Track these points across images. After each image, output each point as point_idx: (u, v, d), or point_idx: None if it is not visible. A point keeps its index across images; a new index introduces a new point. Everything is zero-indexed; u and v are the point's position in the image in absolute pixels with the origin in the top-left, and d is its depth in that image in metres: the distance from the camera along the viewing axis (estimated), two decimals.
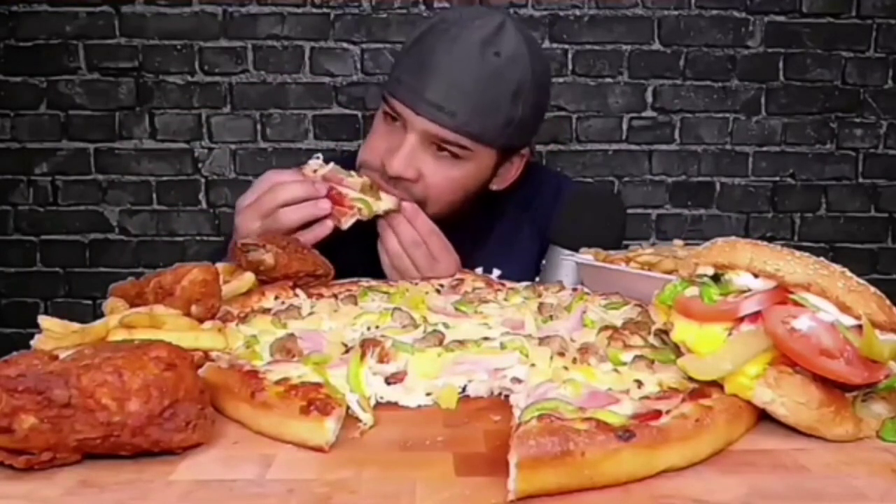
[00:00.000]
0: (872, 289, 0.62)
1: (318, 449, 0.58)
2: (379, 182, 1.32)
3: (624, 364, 0.69)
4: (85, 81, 2.56)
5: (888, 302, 0.62)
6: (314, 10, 2.55)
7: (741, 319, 0.63)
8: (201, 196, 2.63)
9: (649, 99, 2.61)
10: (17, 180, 2.61)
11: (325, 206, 1.23)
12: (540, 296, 1.00)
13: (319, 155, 1.32)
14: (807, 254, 0.64)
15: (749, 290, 0.64)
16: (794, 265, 0.62)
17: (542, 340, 0.73)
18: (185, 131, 2.60)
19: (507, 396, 0.68)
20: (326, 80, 2.58)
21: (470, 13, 1.38)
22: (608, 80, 2.60)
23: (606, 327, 0.80)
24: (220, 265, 0.96)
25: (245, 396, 0.63)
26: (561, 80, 2.55)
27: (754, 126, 2.63)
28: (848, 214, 2.69)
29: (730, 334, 0.63)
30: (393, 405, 0.69)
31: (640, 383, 0.64)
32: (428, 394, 0.70)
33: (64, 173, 2.61)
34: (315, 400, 0.60)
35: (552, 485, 0.51)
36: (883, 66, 2.61)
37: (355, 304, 0.93)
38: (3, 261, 2.65)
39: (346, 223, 1.24)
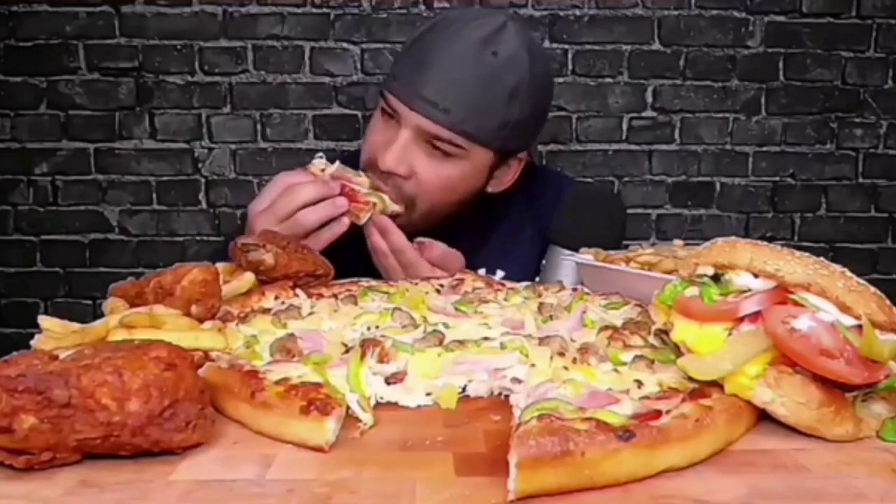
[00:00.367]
0: (872, 289, 0.62)
1: (318, 449, 0.58)
2: (375, 181, 1.32)
3: (624, 364, 0.69)
4: (85, 81, 2.56)
5: (888, 302, 0.62)
6: (314, 10, 2.55)
7: (741, 319, 0.63)
8: (201, 196, 2.64)
9: (649, 99, 2.61)
10: (17, 180, 2.61)
11: (342, 203, 1.24)
12: (540, 296, 1.00)
13: (322, 154, 1.32)
14: (807, 254, 0.64)
15: (749, 290, 0.64)
16: (794, 265, 0.62)
17: (542, 340, 0.73)
18: (185, 131, 2.60)
19: (507, 396, 0.68)
20: (326, 80, 2.58)
21: (472, 13, 1.42)
22: (608, 80, 2.60)
23: (606, 327, 0.80)
24: (220, 265, 0.96)
25: (245, 396, 0.62)
26: (561, 80, 2.55)
27: (754, 126, 2.63)
28: (848, 214, 2.69)
29: (730, 334, 0.63)
30: (393, 405, 0.69)
31: (640, 383, 0.64)
32: (428, 394, 0.70)
33: (64, 173, 2.61)
34: (315, 400, 0.60)
35: (552, 485, 0.51)
36: (883, 66, 2.61)
37: (355, 304, 0.93)
38: (3, 261, 2.65)
39: (364, 218, 1.26)
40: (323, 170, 1.28)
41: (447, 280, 1.11)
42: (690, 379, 0.63)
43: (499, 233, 1.53)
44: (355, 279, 1.13)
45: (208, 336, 0.74)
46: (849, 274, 0.62)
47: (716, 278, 0.66)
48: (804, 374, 0.59)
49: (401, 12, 2.55)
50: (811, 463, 0.57)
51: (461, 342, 0.74)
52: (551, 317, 0.87)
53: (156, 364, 0.56)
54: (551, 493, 0.51)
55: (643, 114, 2.62)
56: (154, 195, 2.63)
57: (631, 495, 0.51)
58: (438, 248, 1.27)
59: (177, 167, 2.62)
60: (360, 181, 1.29)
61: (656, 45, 2.58)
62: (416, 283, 1.08)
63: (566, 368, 0.68)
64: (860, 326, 0.59)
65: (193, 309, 0.81)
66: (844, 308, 0.59)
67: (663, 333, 0.73)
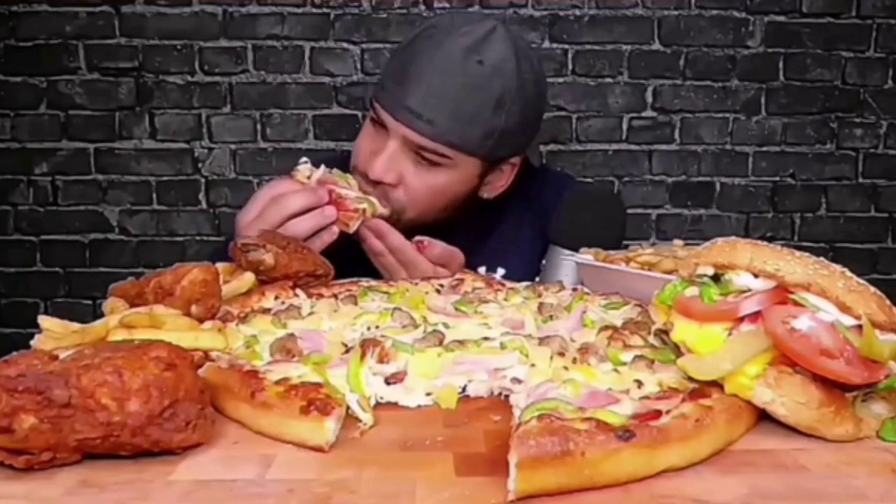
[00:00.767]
0: (872, 289, 0.62)
1: (318, 449, 0.58)
2: (364, 186, 1.32)
3: (624, 364, 0.69)
4: (85, 81, 2.56)
5: (888, 302, 0.62)
6: (314, 10, 2.55)
7: (741, 319, 0.63)
8: (201, 196, 2.64)
9: (649, 99, 2.61)
10: (17, 180, 2.61)
11: (331, 212, 1.23)
12: (540, 296, 1.00)
13: (306, 158, 1.30)
14: (807, 254, 0.64)
15: (749, 290, 0.64)
16: (794, 265, 0.62)
17: (542, 340, 0.73)
18: (185, 131, 2.60)
19: (507, 396, 0.68)
20: (326, 80, 2.58)
21: (461, 19, 1.37)
22: (608, 80, 2.60)
23: (606, 327, 0.80)
24: (220, 265, 0.96)
25: (245, 396, 0.62)
26: (561, 80, 2.56)
27: (754, 126, 2.63)
28: (848, 214, 2.69)
29: (730, 334, 0.63)
30: (393, 405, 0.69)
31: (640, 383, 0.64)
32: (428, 394, 0.70)
33: (64, 173, 2.61)
34: (315, 400, 0.60)
35: (552, 485, 0.51)
36: (883, 66, 2.61)
37: (355, 304, 0.93)
38: (3, 261, 2.65)
39: (354, 226, 1.24)
40: (309, 176, 1.26)
41: (447, 280, 1.11)
42: (690, 379, 0.63)
43: (499, 231, 1.53)
44: (355, 279, 1.13)
45: (208, 336, 0.74)
46: (849, 274, 0.62)
47: (716, 278, 0.66)
48: (804, 374, 0.59)
49: (401, 12, 2.55)
50: (811, 463, 0.57)
51: (461, 342, 0.74)
52: (551, 317, 0.87)
53: (156, 364, 0.56)
54: (551, 493, 0.51)
55: (643, 114, 2.62)
56: (154, 195, 2.63)
57: (631, 495, 0.51)
58: (438, 246, 1.26)
59: (177, 167, 2.62)
60: (349, 184, 1.27)
61: (656, 45, 2.58)
62: (416, 283, 1.08)
63: (566, 368, 0.68)
64: (860, 326, 0.59)
65: (193, 309, 0.81)
66: (844, 308, 0.59)
67: (663, 333, 0.73)
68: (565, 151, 2.63)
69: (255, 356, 0.72)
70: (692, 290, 0.67)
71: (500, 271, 1.33)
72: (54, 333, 0.71)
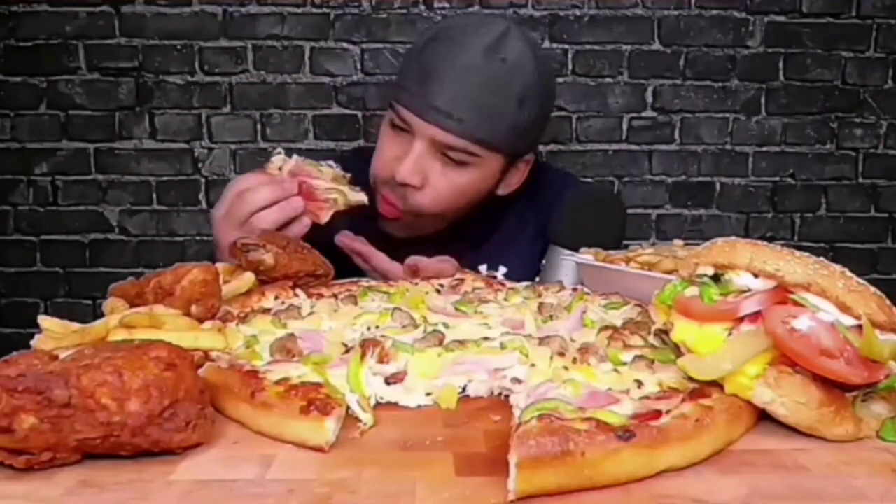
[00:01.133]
0: (872, 289, 0.62)
1: (318, 449, 0.58)
2: (382, 189, 1.31)
3: (624, 364, 0.69)
4: (85, 81, 2.56)
5: (888, 302, 0.62)
6: (314, 10, 2.55)
7: (741, 319, 0.63)
8: (201, 196, 2.64)
9: (649, 99, 2.61)
10: (17, 180, 2.61)
11: (297, 204, 1.19)
12: (540, 296, 1.00)
13: (281, 150, 1.28)
14: (807, 254, 0.64)
15: (749, 290, 0.64)
16: (794, 265, 0.62)
17: (542, 340, 0.73)
18: (185, 131, 2.60)
19: (507, 396, 0.68)
20: (326, 80, 2.58)
21: (474, 20, 1.40)
22: (608, 80, 2.60)
23: (606, 327, 0.80)
24: (220, 265, 0.96)
25: (245, 396, 0.62)
26: (561, 80, 2.55)
27: (754, 126, 2.63)
28: (848, 214, 2.69)
29: (730, 334, 0.63)
30: (393, 405, 0.69)
31: (640, 383, 0.64)
32: (428, 394, 0.70)
33: (64, 173, 2.61)
34: (315, 400, 0.60)
35: (552, 485, 0.51)
36: (883, 66, 2.61)
37: (355, 304, 0.93)
38: (3, 261, 2.65)
39: (325, 217, 1.21)
40: (280, 167, 1.24)
41: (447, 280, 1.11)
42: (690, 379, 0.63)
43: (502, 228, 1.54)
44: (355, 279, 1.14)
45: (208, 336, 0.74)
46: (849, 274, 0.62)
47: (716, 278, 0.66)
48: (804, 374, 0.59)
49: (401, 12, 2.55)
50: (811, 463, 0.57)
51: (461, 342, 0.74)
52: (551, 317, 0.87)
53: (156, 364, 0.56)
54: (551, 493, 0.51)
55: (643, 114, 2.62)
56: (154, 195, 2.63)
57: (631, 495, 0.51)
58: (430, 268, 1.21)
59: (177, 167, 2.62)
60: (321, 174, 1.24)
61: (656, 45, 2.58)
62: (416, 283, 1.08)
63: (566, 368, 0.68)
64: (860, 326, 0.59)
65: (193, 309, 0.81)
66: (844, 308, 0.59)
67: (663, 333, 0.73)
68: (565, 151, 2.63)
69: (255, 356, 0.72)
70: (692, 290, 0.67)
71: (502, 269, 1.35)
72: (54, 333, 0.71)
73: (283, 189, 1.20)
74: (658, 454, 0.53)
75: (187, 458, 0.57)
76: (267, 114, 2.59)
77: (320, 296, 0.97)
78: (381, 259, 1.24)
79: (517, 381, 0.69)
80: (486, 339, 0.76)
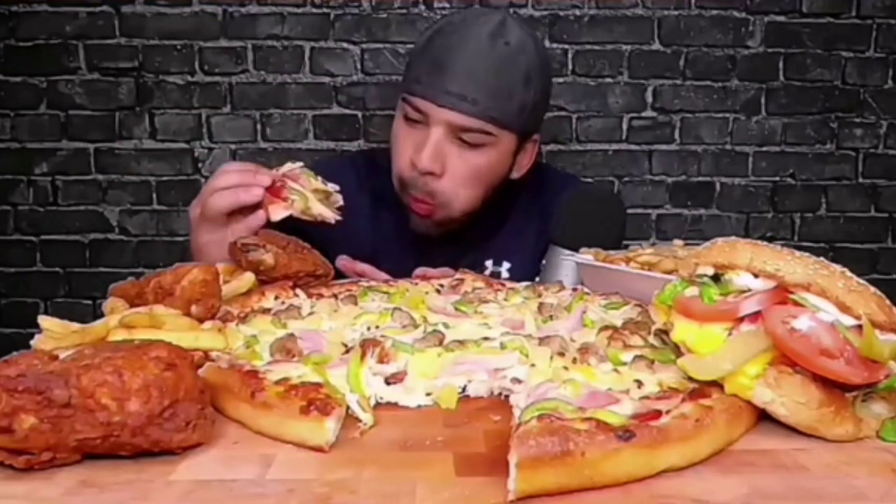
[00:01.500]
0: (872, 289, 0.62)
1: (318, 449, 0.58)
2: (406, 185, 1.37)
3: (624, 364, 0.69)
4: (85, 81, 2.56)
5: (888, 302, 0.62)
6: (314, 10, 2.54)
7: (741, 319, 0.63)
8: None
9: (649, 99, 2.61)
10: (17, 180, 2.61)
11: (256, 192, 1.16)
12: (540, 296, 1.00)
13: (301, 163, 1.28)
14: (807, 254, 0.64)
15: (749, 290, 0.64)
16: (794, 265, 0.62)
17: (542, 340, 0.73)
18: (185, 131, 2.60)
19: (507, 396, 0.68)
20: (326, 80, 2.58)
21: (472, 13, 1.49)
22: (608, 80, 2.60)
23: (606, 327, 0.80)
24: (220, 265, 0.96)
25: (245, 396, 0.62)
26: (561, 80, 2.55)
27: (754, 126, 2.63)
28: (848, 214, 2.69)
29: (730, 334, 0.63)
30: (393, 405, 0.69)
31: (640, 383, 0.64)
32: (428, 394, 0.70)
33: (64, 173, 2.61)
34: (315, 400, 0.60)
35: (552, 485, 0.51)
36: (883, 66, 2.61)
37: (355, 304, 0.93)
38: (3, 261, 2.65)
39: (276, 215, 1.17)
40: (279, 170, 1.24)
41: (447, 280, 1.11)
42: (690, 379, 0.63)
43: (506, 228, 1.57)
44: (355, 279, 1.14)
45: (208, 336, 0.74)
46: (849, 274, 0.62)
47: (716, 278, 0.66)
48: (804, 374, 0.59)
49: (401, 12, 2.55)
50: (811, 463, 0.57)
51: (461, 342, 0.74)
52: (551, 317, 0.87)
53: (156, 364, 0.56)
54: (551, 493, 0.51)
55: (643, 114, 2.62)
56: (154, 195, 2.63)
57: (631, 495, 0.51)
58: (435, 276, 1.21)
59: (177, 167, 2.62)
60: (309, 183, 1.22)
61: (656, 45, 2.58)
62: (416, 283, 1.08)
63: (566, 368, 0.68)
64: (860, 326, 0.59)
65: (193, 309, 0.81)
66: (844, 308, 0.59)
67: (663, 333, 0.73)
68: (565, 151, 2.63)
69: (255, 356, 0.72)
70: (692, 290, 0.67)
71: (506, 265, 1.37)
72: (54, 333, 0.71)
73: (250, 177, 1.18)
74: (658, 454, 0.53)
75: (187, 458, 0.57)
76: (267, 114, 2.59)
77: (320, 296, 0.97)
78: (384, 277, 1.24)
79: (517, 381, 0.69)
80: (486, 339, 0.76)
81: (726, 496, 0.51)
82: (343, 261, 1.23)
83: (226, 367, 0.68)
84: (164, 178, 2.62)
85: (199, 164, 2.62)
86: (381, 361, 0.70)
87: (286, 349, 0.72)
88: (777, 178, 2.66)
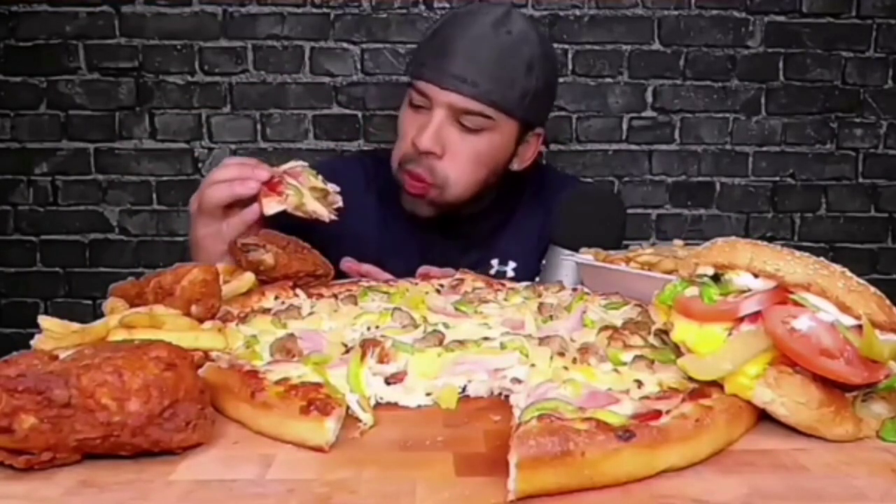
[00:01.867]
0: (872, 289, 0.62)
1: (318, 449, 0.58)
2: (407, 166, 1.40)
3: (624, 364, 0.69)
4: (85, 81, 2.56)
5: (888, 302, 0.62)
6: (314, 10, 2.54)
7: (741, 319, 0.63)
8: None
9: (649, 99, 2.61)
10: (17, 180, 2.61)
11: (252, 185, 1.17)
12: (540, 296, 1.00)
13: (303, 161, 1.29)
14: (807, 254, 0.64)
15: (749, 290, 0.64)
16: (794, 265, 0.62)
17: (542, 340, 0.73)
18: (185, 131, 2.60)
19: (507, 396, 0.68)
20: (326, 80, 2.58)
21: (478, 5, 1.52)
22: (608, 80, 2.60)
23: (606, 327, 0.80)
24: (220, 265, 0.96)
25: (245, 396, 0.62)
26: (561, 80, 2.54)
27: (754, 126, 2.63)
28: (848, 214, 2.69)
29: (730, 334, 0.63)
30: (393, 405, 0.69)
31: (640, 383, 0.64)
32: (428, 394, 0.70)
33: (64, 173, 2.61)
34: (315, 400, 0.60)
35: (552, 485, 0.51)
36: (883, 66, 2.61)
37: (355, 304, 0.93)
38: (3, 261, 2.65)
39: (269, 208, 1.16)
40: (281, 167, 1.24)
41: (447, 280, 1.11)
42: (690, 379, 0.63)
43: (511, 228, 1.59)
44: (355, 279, 1.14)
45: (208, 336, 0.74)
46: (849, 274, 0.62)
47: (716, 278, 0.66)
48: (804, 374, 0.59)
49: (401, 12, 2.55)
50: (811, 463, 0.57)
51: (461, 342, 0.74)
52: (551, 317, 0.87)
53: (156, 364, 0.56)
54: (551, 493, 0.51)
55: (643, 114, 2.62)
56: (154, 195, 2.62)
57: (631, 495, 0.51)
58: (439, 274, 1.22)
59: (177, 167, 2.62)
60: (309, 180, 1.23)
61: (656, 45, 2.58)
62: (416, 283, 1.08)
63: (566, 368, 0.68)
64: (860, 326, 0.59)
65: (193, 309, 0.81)
66: (844, 308, 0.59)
67: (663, 333, 0.73)
68: (565, 151, 2.63)
69: (255, 356, 0.72)
70: (692, 290, 0.67)
71: (511, 265, 1.38)
72: (54, 333, 0.71)
73: (248, 171, 1.18)
74: (658, 454, 0.53)
75: (187, 458, 0.57)
76: (267, 114, 2.59)
77: (320, 296, 0.97)
78: (388, 278, 1.24)
79: (517, 381, 0.69)
80: (486, 339, 0.76)
81: (726, 496, 0.51)
82: (348, 262, 1.23)
83: (226, 367, 0.68)
84: (164, 178, 2.62)
85: (199, 164, 2.62)
86: (381, 361, 0.70)
87: (286, 349, 0.72)
88: (777, 178, 2.66)
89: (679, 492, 0.52)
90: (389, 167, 1.50)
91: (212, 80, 2.57)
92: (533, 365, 0.70)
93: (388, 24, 2.55)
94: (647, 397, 0.61)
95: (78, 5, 2.51)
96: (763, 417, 0.62)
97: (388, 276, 1.19)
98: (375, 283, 1.09)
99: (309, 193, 1.22)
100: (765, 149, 2.64)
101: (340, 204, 1.26)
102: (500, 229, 1.58)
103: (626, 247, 1.16)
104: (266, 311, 0.88)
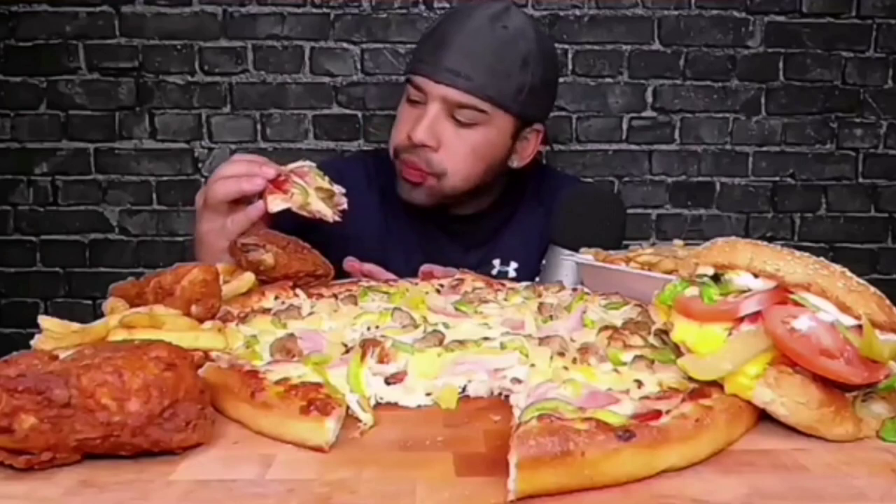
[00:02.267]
0: (872, 289, 0.62)
1: (318, 449, 0.58)
2: (403, 157, 1.41)
3: (624, 364, 0.69)
4: (85, 81, 2.56)
5: (888, 302, 0.62)
6: (314, 10, 2.54)
7: (741, 319, 0.62)
8: None
9: (649, 99, 2.61)
10: (17, 180, 2.61)
11: (258, 182, 1.17)
12: (540, 296, 1.00)
13: (311, 162, 1.29)
14: (807, 254, 0.64)
15: (749, 290, 0.64)
16: (794, 265, 0.62)
17: (542, 340, 0.73)
18: (185, 131, 2.60)
19: (507, 396, 0.68)
20: (326, 80, 2.58)
21: (477, 2, 1.51)
22: (608, 80, 2.60)
23: (606, 327, 0.80)
24: (220, 265, 0.96)
25: (245, 396, 0.62)
26: (561, 80, 2.54)
27: (754, 126, 2.63)
28: (848, 214, 2.69)
29: (730, 334, 0.63)
30: (393, 405, 0.69)
31: (640, 383, 0.64)
32: (428, 394, 0.70)
33: (64, 173, 2.61)
34: (315, 400, 0.60)
35: (552, 485, 0.51)
36: (883, 66, 2.61)
37: (355, 304, 0.93)
38: (3, 261, 2.65)
39: (273, 206, 1.16)
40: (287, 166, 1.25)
41: (447, 280, 1.11)
42: (690, 379, 0.63)
43: (514, 226, 1.60)
44: (355, 279, 1.14)
45: (208, 336, 0.74)
46: (849, 274, 0.62)
47: (716, 278, 0.66)
48: (804, 374, 0.59)
49: (401, 12, 2.55)
50: (811, 463, 0.57)
51: (461, 342, 0.74)
52: (551, 317, 0.87)
53: (156, 364, 0.56)
54: (551, 493, 0.51)
55: (643, 114, 2.62)
56: (154, 195, 2.62)
57: (631, 495, 0.51)
58: (442, 273, 1.22)
59: (177, 167, 2.62)
60: (315, 180, 1.23)
61: (656, 45, 2.58)
62: (416, 283, 1.08)
63: (566, 368, 0.68)
64: (860, 326, 0.59)
65: (193, 309, 0.81)
66: (844, 308, 0.59)
67: (663, 333, 0.73)
68: (565, 151, 2.63)
69: (255, 356, 0.72)
70: (692, 290, 0.67)
71: (513, 265, 1.38)
72: (54, 333, 0.71)
73: (253, 167, 1.19)
74: (658, 454, 0.53)
75: (187, 458, 0.57)
76: (267, 114, 2.59)
77: (320, 296, 0.97)
78: (391, 277, 1.24)
79: (517, 381, 0.69)
80: (486, 339, 0.76)
81: (726, 496, 0.51)
82: (350, 262, 1.23)
83: (226, 367, 0.68)
84: (164, 178, 2.62)
85: (199, 164, 2.62)
86: (381, 361, 0.70)
87: (286, 349, 0.72)
88: (777, 178, 2.66)
89: (679, 492, 0.52)
90: (391, 166, 1.50)
91: (212, 80, 2.57)
92: (533, 365, 0.70)
93: (388, 24, 2.55)
94: (647, 397, 0.60)
95: (78, 5, 2.51)
96: (763, 417, 0.62)
97: (389, 275, 1.19)
98: (375, 283, 1.09)
99: (314, 193, 1.22)
100: (765, 149, 2.64)
101: (345, 206, 1.26)
102: (501, 229, 1.59)
103: (626, 247, 1.16)
104: (266, 311, 0.88)
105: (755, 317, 0.62)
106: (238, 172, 1.19)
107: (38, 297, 2.66)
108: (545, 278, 1.22)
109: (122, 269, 2.59)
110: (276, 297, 0.95)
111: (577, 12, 2.56)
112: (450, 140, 1.41)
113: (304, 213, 1.19)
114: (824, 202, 2.68)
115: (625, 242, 1.26)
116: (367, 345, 0.71)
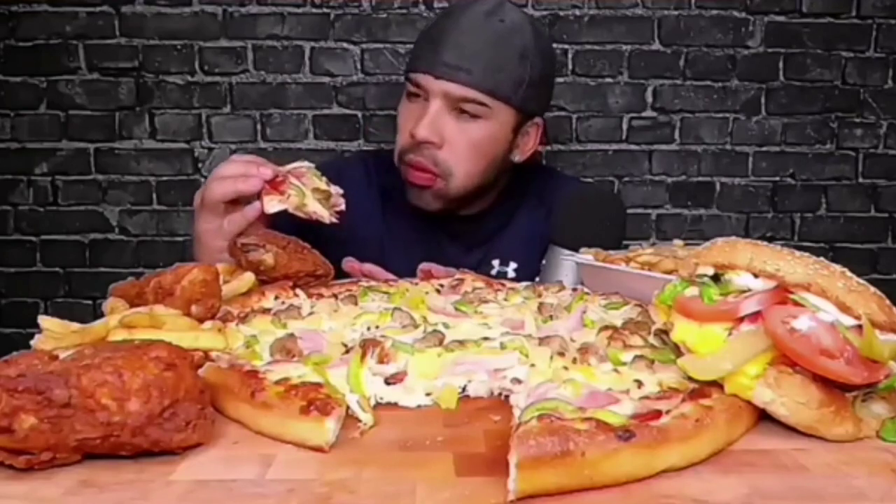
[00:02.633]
0: (872, 289, 0.62)
1: (318, 449, 0.58)
2: (407, 157, 1.41)
3: (624, 364, 0.69)
4: (85, 81, 2.56)
5: (888, 302, 0.62)
6: (314, 10, 2.54)
7: (741, 319, 0.63)
8: None
9: (649, 99, 2.61)
10: (17, 180, 2.61)
11: (255, 182, 1.17)
12: (540, 296, 1.00)
13: (309, 163, 1.29)
14: (807, 254, 0.64)
15: (749, 290, 0.64)
16: (794, 265, 0.62)
17: (542, 340, 0.73)
18: (185, 131, 2.60)
19: (507, 396, 0.68)
20: (326, 80, 2.58)
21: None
22: (608, 80, 2.60)
23: (606, 327, 0.80)
24: (220, 265, 0.96)
25: (245, 396, 0.62)
26: (561, 80, 2.55)
27: (754, 126, 2.63)
28: (848, 214, 2.69)
29: (730, 334, 0.63)
30: (393, 405, 0.69)
31: (640, 383, 0.64)
32: (428, 394, 0.70)
33: (64, 173, 2.61)
34: (315, 400, 0.60)
35: (552, 485, 0.51)
36: (883, 66, 2.61)
37: (355, 304, 0.93)
38: (3, 261, 2.65)
39: (270, 207, 1.16)
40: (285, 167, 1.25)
41: (447, 280, 1.11)
42: (690, 379, 0.63)
43: (514, 226, 1.60)
44: (355, 279, 1.14)
45: (208, 336, 0.74)
46: (849, 274, 0.62)
47: (716, 278, 0.66)
48: (804, 374, 0.59)
49: (401, 12, 2.55)
50: (811, 463, 0.57)
51: (461, 342, 0.74)
52: (551, 317, 0.87)
53: (156, 364, 0.56)
54: (551, 493, 0.51)
55: (643, 114, 2.62)
56: (154, 195, 2.62)
57: (631, 495, 0.51)
58: (441, 272, 1.22)
59: (177, 167, 2.62)
60: (312, 181, 1.23)
61: (656, 45, 2.58)
62: (416, 283, 1.08)
63: (566, 368, 0.68)
64: (860, 326, 0.59)
65: (193, 309, 0.81)
66: (844, 308, 0.59)
67: (663, 333, 0.73)
68: (565, 151, 2.63)
69: (255, 356, 0.72)
70: (692, 290, 0.67)
71: (513, 265, 1.38)
72: (54, 333, 0.71)
73: (251, 167, 1.19)
74: (658, 454, 0.53)
75: (187, 458, 0.57)
76: (267, 114, 2.59)
77: (320, 296, 0.97)
78: (390, 277, 1.24)
79: (517, 381, 0.69)
80: (486, 339, 0.76)
81: (726, 496, 0.51)
82: (349, 262, 1.23)
83: (226, 367, 0.68)
84: (164, 178, 2.62)
85: (199, 164, 2.62)
86: (381, 361, 0.70)
87: (286, 349, 0.72)
88: (777, 178, 2.66)
89: (679, 492, 0.52)
90: (391, 167, 1.50)
91: (212, 80, 2.57)
92: (533, 365, 0.70)
93: (388, 24, 2.55)
94: (647, 397, 0.60)
95: (78, 5, 2.51)
96: (763, 417, 0.62)
97: (389, 275, 1.19)
98: (375, 283, 1.09)
99: (311, 194, 1.22)
100: (765, 149, 2.64)
101: (343, 207, 1.26)
102: (501, 230, 1.59)
103: (626, 247, 1.16)
104: (266, 311, 0.88)
105: (755, 317, 0.62)
106: (235, 173, 1.19)
107: (38, 297, 2.66)
108: (545, 278, 1.22)
109: (122, 269, 2.59)
110: (276, 297, 0.95)
111: (577, 12, 2.56)
112: (453, 136, 1.41)
113: (301, 215, 1.19)
114: (824, 202, 2.68)
115: (625, 242, 1.26)
116: (367, 345, 0.71)
